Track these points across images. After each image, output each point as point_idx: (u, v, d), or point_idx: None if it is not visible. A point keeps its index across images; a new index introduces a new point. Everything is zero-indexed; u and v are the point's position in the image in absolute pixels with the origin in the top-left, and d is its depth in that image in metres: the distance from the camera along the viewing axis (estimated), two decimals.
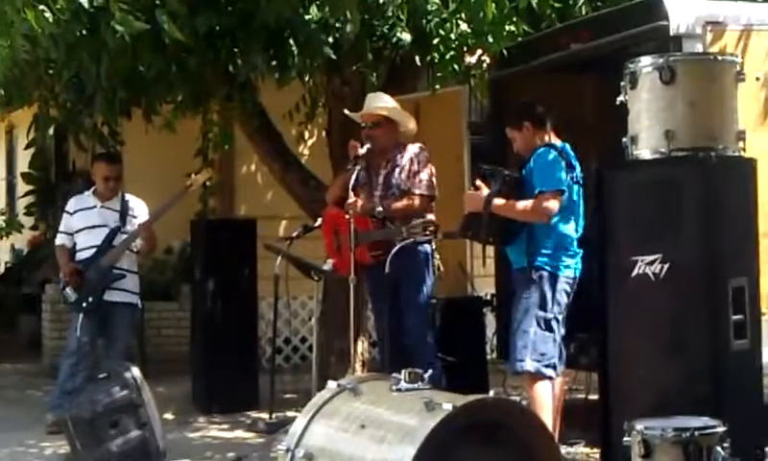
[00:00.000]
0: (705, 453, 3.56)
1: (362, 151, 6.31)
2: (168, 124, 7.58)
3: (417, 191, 6.29)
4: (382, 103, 6.46)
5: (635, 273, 4.31)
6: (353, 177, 6.21)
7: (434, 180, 6.34)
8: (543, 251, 5.63)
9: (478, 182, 5.75)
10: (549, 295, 5.58)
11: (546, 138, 5.74)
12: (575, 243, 5.66)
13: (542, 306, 5.59)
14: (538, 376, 5.54)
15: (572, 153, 5.71)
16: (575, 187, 5.67)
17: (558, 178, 5.55)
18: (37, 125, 7.94)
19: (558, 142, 5.74)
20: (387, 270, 5.85)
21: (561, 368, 5.65)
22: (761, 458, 4.14)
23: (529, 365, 5.55)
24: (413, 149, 6.42)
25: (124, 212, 7.34)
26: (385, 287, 6.15)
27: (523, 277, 5.69)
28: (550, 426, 5.32)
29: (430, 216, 6.21)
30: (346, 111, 6.70)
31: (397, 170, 6.39)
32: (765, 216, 4.73)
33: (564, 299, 5.62)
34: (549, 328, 5.58)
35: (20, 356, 10.79)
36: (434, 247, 6.44)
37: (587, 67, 6.92)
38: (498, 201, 5.57)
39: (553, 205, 5.52)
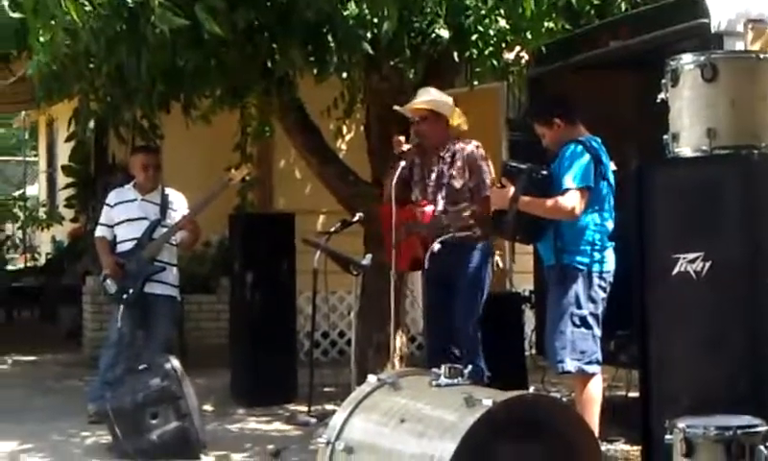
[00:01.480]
0: (747, 452, 3.56)
1: (405, 147, 6.32)
2: (204, 116, 7.63)
3: (481, 194, 6.20)
4: (429, 97, 6.44)
5: (676, 271, 4.30)
6: (396, 173, 6.21)
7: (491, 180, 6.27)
8: (572, 247, 5.62)
9: (504, 180, 5.75)
10: (582, 292, 5.58)
11: (575, 134, 5.73)
12: (605, 238, 5.64)
13: (577, 304, 5.58)
14: (581, 374, 5.54)
15: (602, 148, 5.69)
16: (603, 183, 5.65)
17: (584, 173, 5.54)
18: (78, 118, 7.99)
19: (588, 137, 5.72)
20: (426, 266, 5.89)
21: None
22: None
23: (570, 365, 5.54)
24: (469, 148, 6.38)
25: (164, 205, 7.41)
26: (439, 281, 6.19)
27: (554, 274, 5.70)
28: (596, 423, 5.35)
29: None
30: (396, 107, 6.71)
31: (450, 169, 6.36)
32: None
33: (598, 294, 5.61)
34: (586, 325, 5.58)
35: (61, 347, 10.92)
36: (493, 243, 6.44)
37: (626, 64, 6.90)
38: (524, 198, 5.55)
39: (579, 201, 5.51)
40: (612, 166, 5.75)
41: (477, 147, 6.41)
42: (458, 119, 6.43)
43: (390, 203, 6.26)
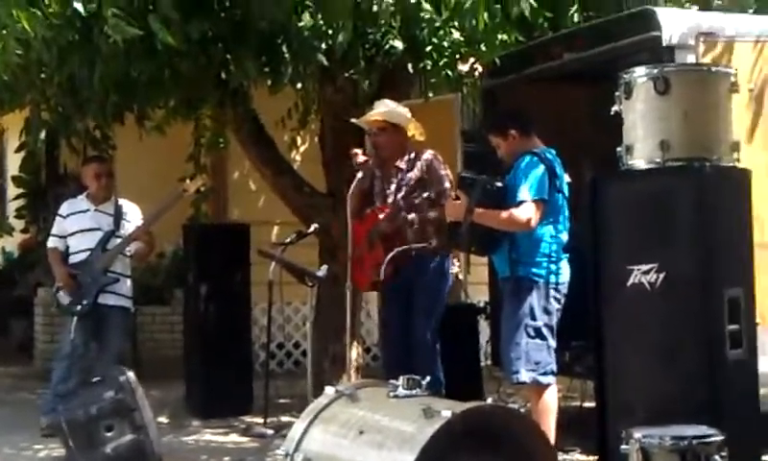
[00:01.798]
0: None
1: (361, 159, 6.33)
2: (157, 127, 7.59)
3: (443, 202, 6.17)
4: (386, 108, 6.46)
5: (630, 282, 4.35)
6: (353, 185, 6.22)
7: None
8: (527, 259, 5.64)
9: (458, 192, 5.77)
10: (537, 303, 5.61)
11: (530, 146, 5.77)
12: (560, 249, 5.68)
13: (531, 315, 5.61)
14: (536, 385, 5.58)
15: (557, 159, 5.74)
16: (558, 195, 5.69)
17: (539, 185, 5.56)
18: (29, 128, 7.92)
19: (543, 149, 5.77)
20: (382, 277, 5.91)
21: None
22: None
23: (524, 376, 5.58)
24: (425, 156, 6.41)
25: (118, 216, 7.34)
26: (398, 293, 6.20)
27: (509, 286, 5.72)
28: (552, 434, 5.39)
29: None
30: (353, 119, 6.72)
31: (409, 178, 6.39)
32: (759, 227, 4.79)
33: (552, 306, 5.65)
34: (541, 336, 5.61)
35: (12, 360, 10.78)
36: (452, 254, 6.46)
37: (580, 77, 6.96)
38: (479, 210, 5.56)
39: (534, 213, 5.53)
40: (567, 178, 5.79)
41: (435, 156, 6.44)
42: (414, 130, 6.46)
43: (355, 217, 6.29)
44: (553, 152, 5.77)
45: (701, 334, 4.19)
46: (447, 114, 8.38)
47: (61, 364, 7.23)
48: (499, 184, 5.68)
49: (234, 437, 7.13)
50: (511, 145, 5.80)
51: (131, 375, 6.34)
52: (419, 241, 6.23)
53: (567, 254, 5.73)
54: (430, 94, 7.67)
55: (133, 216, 7.43)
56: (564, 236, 5.73)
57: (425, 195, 6.36)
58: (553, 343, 5.64)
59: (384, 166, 6.49)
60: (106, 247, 7.26)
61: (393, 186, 6.45)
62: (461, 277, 7.09)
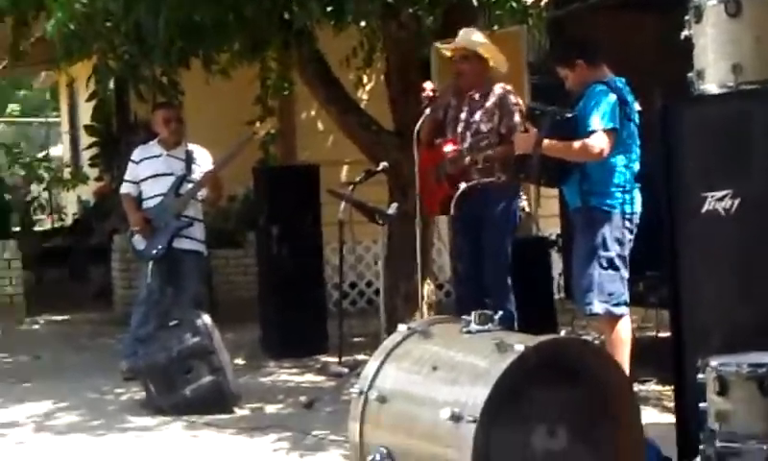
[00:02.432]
0: None
1: (430, 93, 6.28)
2: (223, 71, 7.61)
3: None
4: (471, 37, 6.39)
5: (704, 209, 4.26)
6: (421, 119, 6.19)
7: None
8: (599, 189, 5.59)
9: (527, 124, 5.71)
10: (609, 234, 5.56)
11: (599, 75, 5.68)
12: (632, 179, 5.61)
13: (604, 246, 5.56)
14: (609, 316, 5.55)
15: (627, 88, 5.65)
16: (629, 123, 5.61)
17: (610, 115, 5.49)
18: (98, 77, 8.00)
19: (612, 77, 5.67)
20: (453, 211, 5.89)
21: None
22: None
23: (597, 307, 5.55)
24: (498, 90, 6.36)
25: (189, 161, 7.42)
26: (467, 228, 6.19)
27: (580, 217, 5.68)
28: (627, 365, 5.36)
29: None
30: (438, 44, 6.67)
31: (480, 112, 6.35)
32: None
33: (625, 236, 5.59)
34: (613, 267, 5.57)
35: (92, 306, 11.03)
36: (521, 187, 6.43)
37: (647, 3, 6.81)
38: (548, 141, 5.50)
39: (605, 143, 5.47)
40: (637, 107, 5.70)
41: (508, 90, 6.38)
42: (496, 61, 6.39)
43: (426, 147, 6.27)
44: (623, 80, 5.67)
45: None
46: (513, 46, 8.24)
47: (139, 309, 7.37)
48: (569, 115, 5.61)
49: (310, 376, 7.22)
50: (579, 75, 5.72)
51: (207, 318, 6.46)
52: (485, 177, 6.20)
53: (639, 184, 5.65)
54: (495, 27, 7.59)
55: (204, 160, 7.50)
56: (636, 165, 5.65)
57: (495, 128, 6.31)
58: (626, 273, 5.60)
59: (460, 95, 6.44)
60: (179, 192, 7.35)
61: (463, 116, 6.40)
62: (530, 210, 7.02)
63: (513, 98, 6.36)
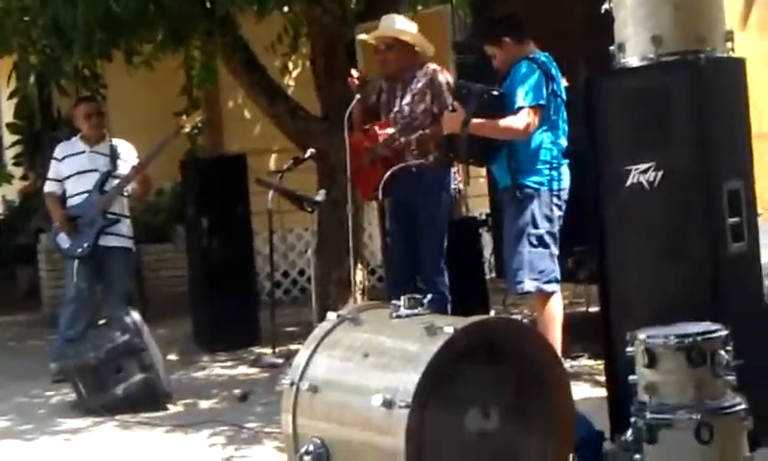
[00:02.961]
0: (708, 357, 3.56)
1: (356, 81, 6.22)
2: (146, 62, 7.48)
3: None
4: (395, 24, 6.33)
5: (628, 182, 4.26)
6: (350, 108, 6.15)
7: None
8: (526, 167, 5.60)
9: (455, 103, 5.68)
10: (538, 211, 5.57)
11: (526, 51, 5.66)
12: (559, 155, 5.62)
13: (533, 224, 5.58)
14: (540, 294, 5.55)
15: (553, 64, 5.64)
16: (555, 99, 5.61)
17: (536, 91, 5.49)
18: (18, 73, 7.84)
19: (538, 54, 5.66)
20: (379, 196, 5.85)
21: None
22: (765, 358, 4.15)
23: (528, 285, 5.56)
24: (428, 71, 6.30)
25: (113, 156, 7.29)
26: (400, 210, 6.15)
27: (509, 195, 5.67)
28: (559, 342, 5.37)
29: None
30: (360, 36, 6.62)
31: (410, 94, 6.30)
32: (757, 117, 4.69)
33: (554, 213, 5.60)
34: (543, 244, 5.58)
35: (19, 307, 10.81)
36: (455, 169, 6.40)
37: None
38: (476, 120, 5.49)
39: (532, 119, 5.48)
40: (565, 82, 5.69)
41: (438, 71, 6.33)
42: (427, 44, 6.34)
43: (357, 131, 6.22)
44: (549, 56, 5.67)
45: (702, 230, 4.11)
46: (438, 26, 8.23)
47: (68, 309, 7.23)
48: (495, 93, 5.59)
49: (243, 369, 7.15)
50: (506, 53, 5.71)
51: (136, 315, 6.36)
52: (419, 158, 6.16)
53: (567, 160, 5.65)
54: (419, 7, 7.54)
55: (129, 155, 7.37)
56: (564, 141, 5.66)
57: (428, 109, 6.27)
58: (556, 250, 5.61)
59: (391, 80, 6.39)
60: (103, 188, 7.22)
61: (397, 101, 6.36)
62: (460, 190, 7.01)
63: (442, 77, 6.32)
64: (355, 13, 7.42)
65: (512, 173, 5.63)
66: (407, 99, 6.29)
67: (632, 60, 4.42)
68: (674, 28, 4.32)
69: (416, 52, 6.36)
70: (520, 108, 5.48)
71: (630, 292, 4.31)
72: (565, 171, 5.64)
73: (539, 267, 5.55)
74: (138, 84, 8.06)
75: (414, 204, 6.24)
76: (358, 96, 6.26)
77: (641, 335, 3.70)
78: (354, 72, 6.38)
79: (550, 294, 5.57)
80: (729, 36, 4.41)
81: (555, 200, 5.60)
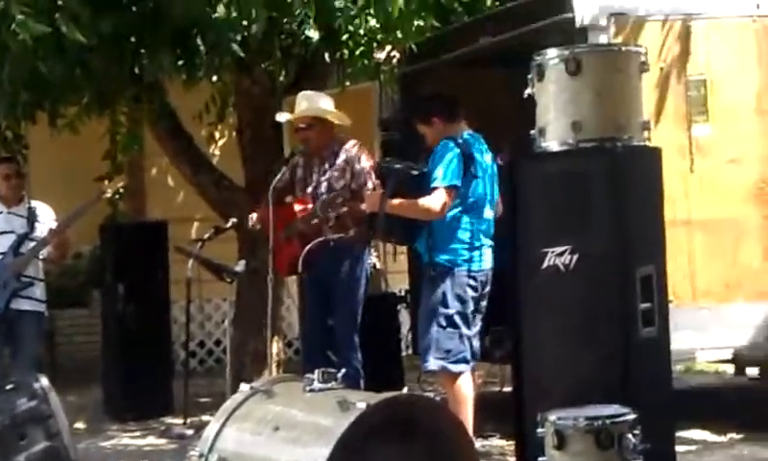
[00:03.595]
0: (617, 440, 3.59)
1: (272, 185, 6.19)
2: (70, 125, 7.42)
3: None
4: (314, 104, 6.36)
5: (545, 265, 4.31)
6: (275, 179, 6.15)
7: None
8: (441, 246, 5.63)
9: (377, 182, 5.72)
10: (450, 291, 5.59)
11: (455, 131, 5.72)
12: (478, 236, 5.64)
13: (443, 303, 5.60)
14: (446, 373, 5.55)
15: (481, 144, 5.70)
16: (476, 180, 5.64)
17: (450, 172, 5.53)
18: None
19: (463, 133, 5.71)
20: (300, 269, 5.82)
21: (472, 363, 5.65)
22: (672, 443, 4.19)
23: (432, 364, 5.58)
24: (348, 147, 6.32)
25: (31, 218, 7.16)
26: (316, 285, 6.12)
27: (426, 272, 5.71)
28: (469, 421, 5.35)
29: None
30: (277, 117, 6.63)
31: (330, 170, 6.29)
32: (671, 205, 4.78)
33: (467, 293, 5.60)
34: (452, 325, 5.58)
35: None
36: (371, 245, 6.40)
37: (496, 61, 6.93)
38: (393, 200, 5.54)
39: (444, 200, 5.52)
40: (499, 161, 5.75)
41: (359, 146, 6.36)
42: (337, 118, 6.37)
43: (268, 207, 6.19)
44: (477, 136, 5.73)
45: (614, 314, 4.16)
46: (365, 103, 8.34)
47: None
48: (416, 172, 5.62)
49: (152, 439, 7.03)
50: (435, 132, 5.77)
51: (44, 381, 6.18)
52: (337, 233, 6.15)
53: (489, 242, 5.68)
54: (348, 83, 7.62)
55: (47, 218, 7.25)
56: (485, 223, 5.68)
57: (347, 185, 6.28)
58: (467, 331, 5.61)
59: (307, 155, 6.39)
60: (18, 250, 7.08)
61: (314, 176, 6.36)
62: (380, 266, 7.03)
63: (363, 154, 6.35)
64: (284, 86, 7.44)
65: (429, 250, 5.67)
66: (326, 175, 6.29)
67: (552, 144, 4.49)
68: (594, 115, 4.41)
69: (333, 127, 6.38)
70: (435, 188, 5.53)
71: (543, 373, 4.33)
72: (487, 252, 5.67)
73: (445, 346, 5.56)
74: (61, 145, 7.96)
75: (330, 278, 6.22)
76: (284, 169, 6.27)
77: (552, 417, 3.72)
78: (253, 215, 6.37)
79: (456, 374, 5.57)
80: (646, 126, 4.52)
81: (469, 280, 5.62)
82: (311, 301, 6.37)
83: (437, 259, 5.62)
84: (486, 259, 5.67)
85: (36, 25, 5.60)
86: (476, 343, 5.68)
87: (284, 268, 6.34)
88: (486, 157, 5.75)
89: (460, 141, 5.62)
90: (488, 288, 5.68)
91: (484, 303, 5.68)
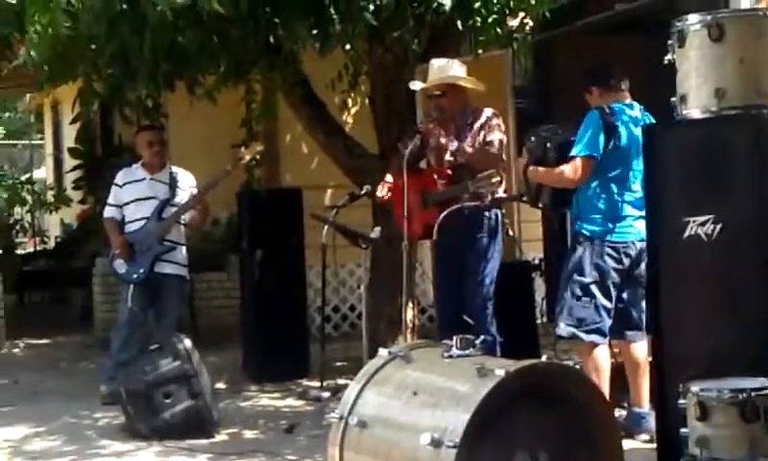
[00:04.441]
0: (762, 413, 3.53)
1: (405, 151, 6.20)
2: (208, 93, 7.58)
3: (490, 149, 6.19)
4: (447, 71, 6.35)
5: (686, 234, 4.25)
6: (409, 147, 6.16)
7: (503, 144, 6.26)
8: (582, 214, 5.65)
9: (524, 149, 5.79)
10: (587, 260, 5.57)
11: (613, 100, 5.68)
12: (621, 207, 5.59)
13: (580, 271, 5.59)
14: (578, 341, 5.54)
15: (633, 114, 5.63)
16: (620, 150, 5.58)
17: (588, 142, 5.53)
18: (82, 100, 7.96)
19: (615, 103, 5.66)
20: (435, 237, 5.86)
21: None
22: None
23: (562, 330, 5.60)
24: (486, 114, 6.32)
25: (173, 184, 7.40)
26: (451, 252, 6.16)
27: (572, 240, 5.72)
28: (606, 390, 5.33)
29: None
30: (411, 84, 6.66)
31: (468, 135, 6.31)
32: None
33: (607, 263, 5.56)
34: (587, 294, 5.56)
35: (73, 329, 10.93)
36: (503, 212, 6.41)
37: (631, 27, 6.83)
38: (533, 168, 5.65)
39: (577, 169, 5.54)
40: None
41: (494, 114, 6.35)
42: (471, 83, 6.36)
43: (399, 174, 6.23)
44: (634, 106, 5.66)
45: (758, 285, 4.09)
46: (498, 71, 8.27)
47: (120, 333, 7.32)
48: (561, 140, 5.66)
49: (291, 401, 7.16)
50: (594, 101, 5.78)
51: (188, 342, 6.41)
52: (473, 201, 6.15)
53: (640, 212, 5.57)
54: (480, 51, 7.57)
55: (187, 184, 7.47)
56: (630, 194, 5.60)
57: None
58: (605, 302, 5.56)
59: (441, 124, 6.41)
60: (162, 215, 7.31)
61: (452, 143, 6.35)
62: (511, 233, 7.00)
63: (498, 121, 6.33)
64: (417, 54, 7.46)
65: (574, 220, 5.73)
66: (468, 142, 6.29)
67: (694, 111, 4.42)
68: (738, 82, 4.32)
69: (467, 95, 6.37)
70: (572, 157, 5.56)
71: (684, 344, 4.27)
72: (636, 223, 5.56)
73: (578, 315, 5.55)
74: (199, 114, 8.16)
75: (465, 246, 6.24)
76: (418, 136, 6.29)
77: (694, 387, 3.69)
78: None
79: (589, 344, 5.55)
80: None
81: (609, 250, 5.58)
82: (446, 268, 6.40)
83: (578, 227, 5.65)
84: (632, 231, 5.60)
85: None
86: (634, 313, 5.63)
87: (418, 232, 6.37)
88: (637, 129, 5.68)
89: (606, 111, 5.59)
90: (640, 261, 5.56)
91: (637, 274, 5.59)
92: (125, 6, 6.31)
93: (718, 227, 4.17)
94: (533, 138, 5.82)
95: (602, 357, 5.56)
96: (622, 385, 5.74)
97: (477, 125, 6.30)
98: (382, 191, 6.39)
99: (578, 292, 5.57)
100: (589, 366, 5.52)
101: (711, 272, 4.19)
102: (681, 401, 3.73)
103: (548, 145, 5.66)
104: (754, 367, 3.84)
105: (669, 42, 4.59)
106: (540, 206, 6.12)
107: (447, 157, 6.34)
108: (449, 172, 6.29)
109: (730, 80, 4.31)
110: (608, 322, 5.58)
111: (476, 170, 6.05)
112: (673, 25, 4.56)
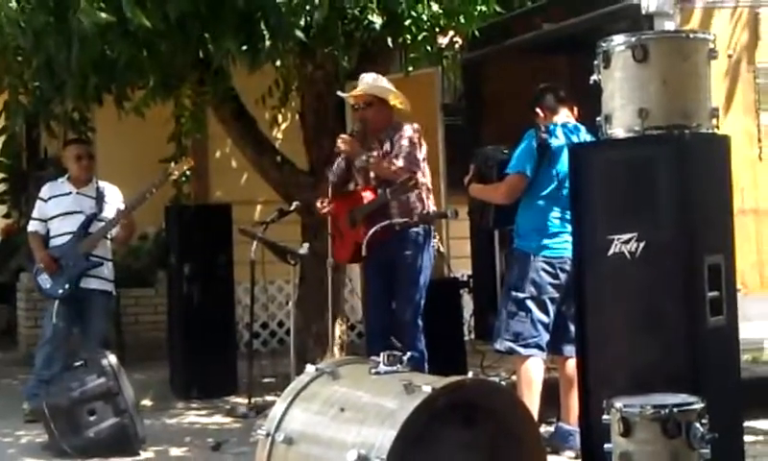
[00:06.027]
0: (684, 429, 3.59)
1: (343, 147, 6.22)
2: (136, 108, 7.52)
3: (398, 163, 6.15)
4: (373, 83, 6.39)
5: (610, 252, 4.31)
6: (335, 165, 6.18)
7: (420, 158, 6.21)
8: (519, 231, 5.76)
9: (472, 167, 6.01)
10: (524, 275, 5.64)
11: (553, 119, 5.78)
12: (558, 223, 5.67)
13: (516, 287, 5.66)
14: (515, 355, 5.59)
15: (570, 132, 5.70)
16: (554, 168, 5.66)
17: (519, 159, 5.67)
18: (8, 112, 7.85)
19: (557, 123, 5.73)
20: (364, 253, 5.86)
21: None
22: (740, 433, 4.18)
23: (499, 344, 5.68)
24: (408, 131, 6.32)
25: (99, 199, 7.31)
26: (380, 268, 6.17)
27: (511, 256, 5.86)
28: (535, 405, 5.38)
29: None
30: (340, 93, 6.67)
31: (391, 152, 6.28)
32: (739, 193, 4.76)
33: (543, 279, 5.64)
34: (523, 309, 5.63)
35: None
36: (433, 228, 6.43)
37: (559, 47, 6.92)
38: (474, 185, 5.86)
39: (511, 187, 5.68)
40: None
41: (416, 130, 6.35)
42: (396, 100, 6.38)
43: (334, 194, 6.24)
44: (572, 126, 5.73)
45: (681, 302, 4.16)
46: (428, 88, 8.32)
47: (44, 349, 7.20)
48: (503, 159, 5.81)
49: (218, 418, 7.12)
50: (541, 121, 5.85)
51: (113, 358, 6.33)
52: (402, 216, 6.17)
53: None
54: (410, 68, 7.62)
55: (115, 199, 7.39)
56: (567, 211, 5.65)
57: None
58: (541, 317, 5.64)
59: (365, 139, 6.41)
60: (88, 230, 7.22)
61: (361, 160, 6.35)
62: (441, 250, 7.04)
63: (418, 138, 6.32)
64: (347, 71, 7.49)
65: (514, 235, 5.85)
66: (388, 160, 6.28)
67: (618, 131, 4.49)
68: (661, 102, 4.39)
69: (392, 108, 6.39)
70: (505, 174, 5.70)
71: (608, 361, 4.34)
72: (569, 239, 5.63)
73: (514, 329, 5.63)
74: (127, 128, 8.08)
75: (394, 262, 6.25)
76: (341, 158, 6.30)
77: (618, 403, 3.73)
78: (344, 136, 6.38)
79: (524, 357, 5.60)
80: (714, 114, 4.49)
81: (545, 266, 5.65)
82: (375, 285, 6.41)
83: (515, 244, 5.79)
84: (567, 247, 5.65)
85: (99, 13, 5.67)
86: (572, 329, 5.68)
87: (348, 255, 6.37)
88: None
89: (542, 130, 5.67)
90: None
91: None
92: (52, 19, 6.24)
93: (641, 244, 4.24)
94: (478, 157, 5.93)
95: (535, 372, 5.62)
96: (553, 401, 5.79)
97: (396, 139, 6.30)
98: (324, 205, 6.34)
99: (514, 308, 5.65)
100: (522, 380, 5.57)
101: (635, 289, 4.26)
102: (605, 417, 3.77)
103: (488, 163, 5.76)
104: (676, 383, 3.89)
105: (595, 63, 4.66)
106: (485, 224, 6.21)
107: (371, 174, 6.34)
108: (377, 189, 6.29)
109: (653, 100, 4.39)
110: (545, 336, 5.65)
111: (393, 181, 6.06)
112: (599, 46, 4.64)
